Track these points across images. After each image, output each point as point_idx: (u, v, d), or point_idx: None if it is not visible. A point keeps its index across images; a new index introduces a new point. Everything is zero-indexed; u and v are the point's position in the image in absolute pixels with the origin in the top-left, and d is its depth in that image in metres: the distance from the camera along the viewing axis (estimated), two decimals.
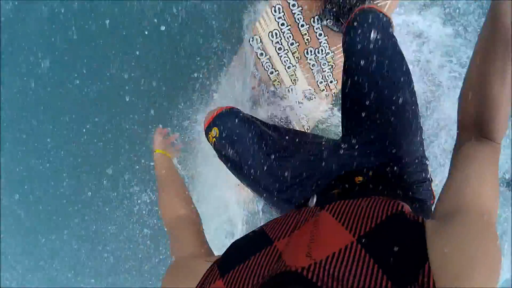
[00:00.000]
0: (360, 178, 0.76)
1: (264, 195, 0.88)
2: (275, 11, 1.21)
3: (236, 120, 0.84)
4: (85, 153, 1.76)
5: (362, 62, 0.75)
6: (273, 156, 0.86)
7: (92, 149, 1.74)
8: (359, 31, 0.75)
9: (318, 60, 1.30)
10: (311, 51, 1.28)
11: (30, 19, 1.59)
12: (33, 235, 2.02)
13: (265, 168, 0.85)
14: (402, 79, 0.75)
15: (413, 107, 0.77)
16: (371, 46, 0.74)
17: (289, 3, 1.19)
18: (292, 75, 1.33)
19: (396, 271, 0.37)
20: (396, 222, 0.43)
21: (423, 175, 0.79)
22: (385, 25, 0.76)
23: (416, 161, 0.78)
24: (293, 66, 1.31)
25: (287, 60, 1.30)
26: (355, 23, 0.76)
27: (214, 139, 0.86)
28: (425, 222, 0.42)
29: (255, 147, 0.85)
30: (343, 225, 0.44)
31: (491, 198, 0.45)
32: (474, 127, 0.55)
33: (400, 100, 0.74)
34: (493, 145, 0.53)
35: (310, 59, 1.30)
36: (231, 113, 0.86)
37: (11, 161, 1.84)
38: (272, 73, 1.32)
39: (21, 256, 2.10)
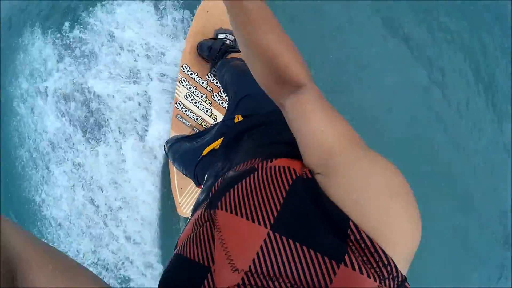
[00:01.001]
0: (239, 117, 0.87)
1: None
2: (181, 82, 1.82)
3: (178, 141, 1.44)
4: None
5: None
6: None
7: None
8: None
9: (223, 98, 1.91)
10: (216, 95, 1.90)
11: None
12: None
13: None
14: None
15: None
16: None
17: (188, 74, 1.81)
18: (211, 115, 1.92)
19: (325, 241, 0.36)
20: (297, 192, 0.42)
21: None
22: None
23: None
24: (209, 110, 1.91)
25: (203, 108, 1.90)
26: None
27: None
28: (315, 177, 0.42)
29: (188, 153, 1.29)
30: (249, 219, 0.41)
31: (341, 127, 0.45)
32: (281, 89, 0.52)
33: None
34: (306, 90, 0.50)
35: (218, 100, 1.91)
36: (175, 139, 1.47)
37: None
38: (197, 119, 1.91)
39: None
